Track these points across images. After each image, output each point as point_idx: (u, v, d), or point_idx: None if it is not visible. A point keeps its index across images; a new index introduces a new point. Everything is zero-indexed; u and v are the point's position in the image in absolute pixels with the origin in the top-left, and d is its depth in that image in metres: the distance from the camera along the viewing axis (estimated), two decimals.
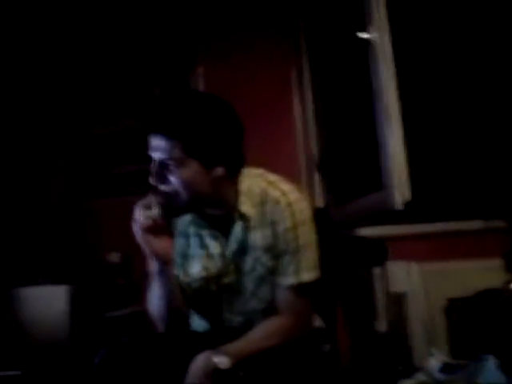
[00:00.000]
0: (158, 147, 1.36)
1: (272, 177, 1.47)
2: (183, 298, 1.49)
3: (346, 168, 2.99)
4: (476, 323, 1.70)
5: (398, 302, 2.00)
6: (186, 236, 1.50)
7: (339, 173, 3.06)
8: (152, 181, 1.38)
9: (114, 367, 1.35)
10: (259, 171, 1.49)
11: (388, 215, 2.31)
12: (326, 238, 1.58)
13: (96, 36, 3.50)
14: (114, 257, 3.12)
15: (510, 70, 2.36)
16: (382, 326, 1.99)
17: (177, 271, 1.49)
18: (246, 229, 1.43)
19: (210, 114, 1.39)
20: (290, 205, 1.41)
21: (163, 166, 1.36)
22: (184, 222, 1.49)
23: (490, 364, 1.38)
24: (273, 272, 1.44)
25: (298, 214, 1.41)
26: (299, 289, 1.42)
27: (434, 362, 1.49)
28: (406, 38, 2.56)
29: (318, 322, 1.59)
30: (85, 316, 2.82)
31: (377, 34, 2.53)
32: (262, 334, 1.42)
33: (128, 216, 3.46)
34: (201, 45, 3.40)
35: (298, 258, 1.41)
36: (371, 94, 2.60)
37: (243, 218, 1.42)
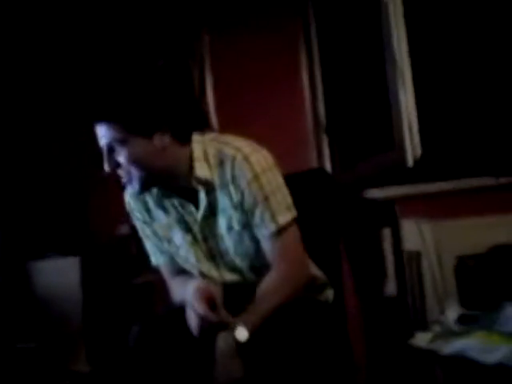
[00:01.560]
0: (102, 133, 1.42)
1: (225, 138, 1.52)
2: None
3: (354, 130, 2.94)
4: (487, 280, 1.68)
5: (410, 260, 1.98)
6: (162, 207, 1.53)
7: (347, 135, 3.00)
8: (106, 167, 1.44)
9: (148, 345, 1.39)
10: (211, 135, 1.54)
11: (398, 174, 2.27)
12: (327, 199, 1.56)
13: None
14: (123, 228, 3.12)
15: None
16: (392, 286, 1.97)
17: (163, 243, 1.56)
18: (209, 192, 1.47)
19: (142, 87, 1.43)
20: (246, 158, 1.44)
21: (111, 150, 1.42)
22: (154, 194, 1.53)
23: (509, 310, 1.35)
24: (247, 226, 1.46)
25: (256, 164, 1.44)
26: (281, 233, 1.45)
27: (450, 314, 1.48)
28: None
29: (315, 271, 1.59)
30: (96, 287, 2.84)
31: None
32: (265, 293, 1.43)
33: None
34: (207, 13, 3.33)
35: (269, 206, 1.44)
36: (380, 51, 2.54)
37: (202, 182, 1.46)
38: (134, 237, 3.11)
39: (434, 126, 2.35)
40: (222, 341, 1.33)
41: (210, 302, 1.32)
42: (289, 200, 1.48)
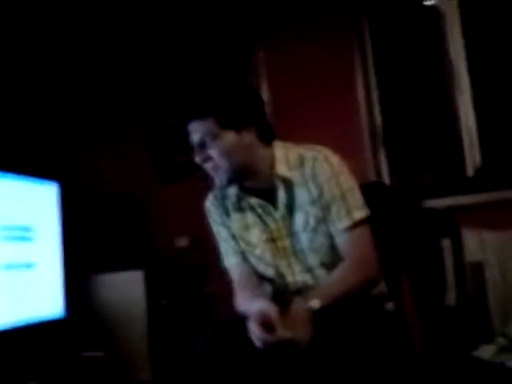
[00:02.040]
0: (196, 129, 1.53)
1: (306, 145, 1.62)
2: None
3: (413, 142, 2.89)
4: None
5: (472, 271, 1.93)
6: (240, 210, 1.64)
7: (405, 147, 2.96)
8: (197, 159, 1.54)
9: (216, 352, 1.42)
10: (290, 144, 1.63)
11: (459, 184, 2.23)
12: (386, 211, 1.57)
13: (160, 25, 3.55)
14: (183, 241, 3.19)
15: None
16: (451, 297, 1.94)
17: (240, 243, 1.64)
18: (289, 190, 1.56)
19: (233, 87, 1.58)
20: (326, 158, 1.55)
21: (203, 144, 1.52)
22: (233, 199, 1.64)
23: None
24: (322, 221, 1.55)
25: (335, 164, 1.55)
26: (356, 228, 1.53)
27: None
28: (473, 2, 2.47)
29: (381, 287, 1.60)
30: (159, 299, 2.90)
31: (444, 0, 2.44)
32: (340, 276, 1.50)
33: (193, 201, 3.53)
34: (261, 28, 3.37)
35: (345, 201, 1.53)
36: (438, 62, 2.51)
37: (283, 181, 1.56)
38: (194, 249, 3.22)
39: (493, 135, 2.30)
40: (296, 303, 1.39)
41: (267, 325, 1.34)
42: (362, 200, 1.57)
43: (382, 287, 1.62)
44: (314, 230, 1.55)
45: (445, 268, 1.96)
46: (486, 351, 1.42)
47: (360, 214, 1.53)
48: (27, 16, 3.32)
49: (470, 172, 2.22)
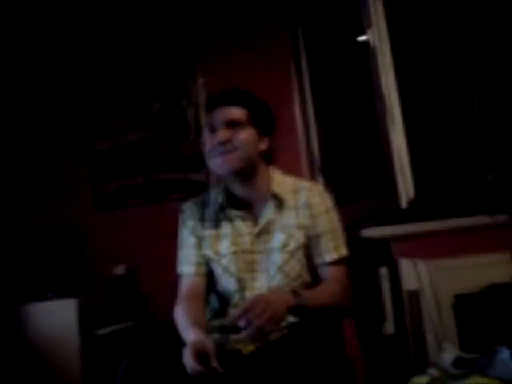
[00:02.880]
0: (229, 112, 1.63)
1: (295, 177, 1.75)
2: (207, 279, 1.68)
3: (349, 170, 2.98)
4: (484, 318, 1.69)
5: (407, 300, 1.99)
6: (216, 219, 1.70)
7: (342, 175, 3.04)
8: (221, 137, 1.60)
9: (136, 378, 1.41)
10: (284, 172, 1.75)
11: (393, 215, 2.30)
12: None
13: (95, 51, 3.52)
14: (120, 269, 3.12)
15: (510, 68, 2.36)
16: (390, 326, 1.98)
17: (207, 250, 1.69)
18: (279, 209, 1.65)
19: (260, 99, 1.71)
20: (321, 193, 1.69)
21: (230, 125, 1.62)
22: (212, 209, 1.70)
23: (504, 355, 1.37)
24: (301, 247, 1.63)
25: (327, 201, 1.69)
26: (340, 263, 1.64)
27: (447, 357, 1.49)
28: (404, 38, 2.56)
29: None
30: (94, 328, 2.81)
31: (375, 36, 2.52)
32: (319, 292, 1.57)
33: (131, 228, 3.46)
34: (199, 53, 3.40)
35: (335, 237, 1.65)
36: (372, 94, 2.59)
37: (276, 198, 1.65)
38: (130, 277, 3.15)
39: (426, 166, 2.39)
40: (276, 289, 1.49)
41: (202, 356, 1.34)
42: (344, 240, 1.69)
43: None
44: (291, 254, 1.62)
45: (382, 297, 2.01)
46: (418, 382, 1.45)
47: (345, 251, 1.66)
48: None
49: (403, 203, 2.28)
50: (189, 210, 1.74)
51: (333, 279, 1.62)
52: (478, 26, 2.44)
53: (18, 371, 2.70)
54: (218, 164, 1.62)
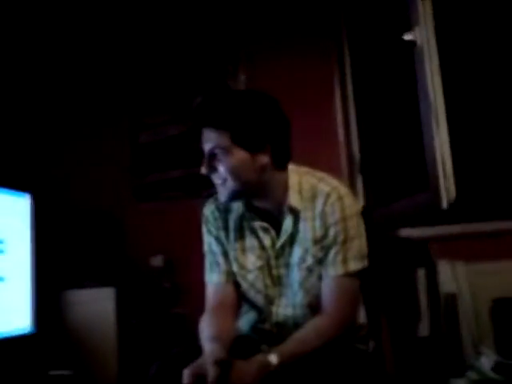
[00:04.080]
0: (208, 138, 1.46)
1: (320, 174, 1.56)
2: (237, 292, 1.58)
3: (389, 169, 2.95)
4: None
5: (444, 302, 1.96)
6: (240, 230, 1.57)
7: (381, 174, 3.01)
8: (203, 170, 1.47)
9: (166, 381, 1.38)
10: (305, 169, 1.58)
11: (433, 215, 2.26)
12: (369, 238, 1.58)
13: (139, 44, 3.58)
14: (158, 260, 3.16)
15: None
16: (424, 328, 1.95)
17: (233, 264, 1.58)
18: (296, 222, 1.50)
19: (254, 104, 1.48)
20: (340, 198, 1.48)
21: (213, 155, 1.46)
22: (236, 215, 1.57)
23: None
24: (320, 262, 1.49)
25: (347, 207, 1.48)
26: (346, 279, 1.47)
27: (486, 361, 1.44)
28: (451, 37, 2.52)
29: (362, 319, 1.60)
30: (130, 318, 2.86)
31: (422, 35, 2.49)
32: (312, 334, 1.43)
33: (170, 220, 3.51)
34: (242, 50, 3.42)
35: (345, 248, 1.47)
36: (415, 93, 2.55)
37: (293, 211, 1.49)
38: (167, 269, 3.19)
39: (469, 167, 2.34)
40: (249, 364, 1.32)
41: (199, 378, 1.28)
42: (365, 250, 1.51)
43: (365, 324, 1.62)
44: (309, 270, 1.50)
45: (419, 298, 1.98)
46: None
47: (356, 265, 1.48)
48: None
49: (444, 204, 2.24)
50: (211, 216, 1.61)
51: (331, 303, 1.47)
52: None
53: (59, 354, 2.77)
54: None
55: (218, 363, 1.27)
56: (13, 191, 2.83)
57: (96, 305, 2.83)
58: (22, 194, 2.87)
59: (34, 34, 3.53)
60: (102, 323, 2.80)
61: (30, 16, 3.50)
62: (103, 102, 3.59)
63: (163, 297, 3.08)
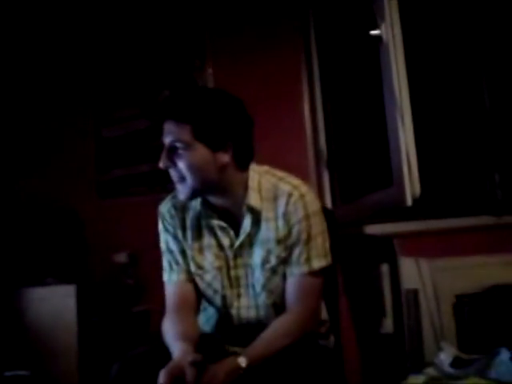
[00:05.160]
0: (169, 131, 1.44)
1: (279, 173, 1.55)
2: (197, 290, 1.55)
3: (355, 165, 2.96)
4: (485, 319, 1.67)
5: (407, 298, 1.97)
6: (198, 228, 1.54)
7: (348, 169, 3.02)
8: (161, 164, 1.44)
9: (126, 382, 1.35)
10: (265, 168, 1.55)
11: (397, 212, 2.27)
12: (332, 234, 1.58)
13: (104, 38, 3.51)
14: (121, 257, 3.11)
15: None
16: (389, 324, 1.96)
17: (190, 264, 1.55)
18: (256, 222, 1.48)
19: (218, 101, 1.46)
20: (302, 197, 1.47)
21: (173, 149, 1.43)
22: (193, 214, 1.54)
23: (503, 356, 1.34)
24: (283, 262, 1.48)
25: (309, 205, 1.48)
26: (310, 277, 1.47)
27: (445, 357, 1.45)
28: (417, 34, 2.54)
29: (324, 314, 1.61)
30: (92, 315, 2.81)
31: (388, 31, 2.49)
32: (277, 334, 1.42)
33: (135, 216, 3.45)
34: (209, 44, 3.38)
35: (309, 247, 1.47)
36: (381, 89, 2.56)
37: (252, 211, 1.47)
38: (131, 265, 3.15)
39: (433, 164, 2.36)
40: (223, 367, 1.31)
41: (176, 379, 1.27)
42: (327, 246, 1.51)
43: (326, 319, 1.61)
44: (273, 270, 1.49)
45: (383, 294, 1.99)
46: (414, 381, 1.43)
47: (319, 263, 1.48)
48: None
49: (408, 201, 2.25)
50: (168, 214, 1.58)
51: (296, 301, 1.47)
52: (491, 24, 2.41)
53: (15, 354, 2.70)
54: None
55: (195, 364, 1.26)
56: None
57: (56, 302, 2.77)
58: None
59: None
60: (62, 321, 2.74)
61: None
62: (67, 96, 3.50)
63: (126, 294, 3.03)
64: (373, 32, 2.64)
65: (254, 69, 3.21)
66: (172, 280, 1.57)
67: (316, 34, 3.25)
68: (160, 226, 1.61)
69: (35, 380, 2.57)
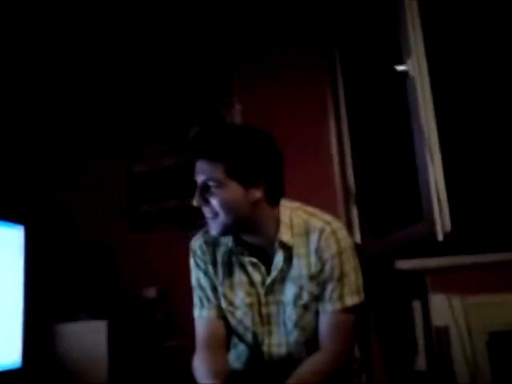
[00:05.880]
0: (202, 170, 1.45)
1: (311, 209, 1.55)
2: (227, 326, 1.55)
3: (384, 200, 2.95)
4: None
5: (439, 336, 1.93)
6: (229, 265, 1.55)
7: (377, 205, 3.01)
8: (195, 202, 1.47)
9: None
10: (297, 204, 1.56)
11: (428, 247, 2.25)
12: (364, 270, 1.57)
13: (134, 75, 3.61)
14: (151, 292, 3.13)
15: None
16: (421, 361, 1.92)
17: (220, 301, 1.56)
18: (288, 258, 1.48)
19: (249, 138, 1.48)
20: (334, 232, 1.48)
21: (205, 187, 1.45)
22: (224, 250, 1.55)
23: None
24: (316, 299, 1.48)
25: (342, 241, 1.48)
26: (343, 314, 1.47)
27: None
28: (444, 69, 2.55)
29: (356, 352, 1.59)
30: (123, 350, 2.82)
31: (414, 66, 2.51)
32: (311, 372, 1.41)
33: (164, 251, 3.48)
34: (237, 81, 3.44)
35: (342, 284, 1.47)
36: (409, 124, 2.57)
37: (284, 247, 1.48)
38: (161, 301, 3.16)
39: (463, 198, 2.35)
40: None
41: None
42: (360, 283, 1.51)
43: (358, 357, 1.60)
44: (305, 307, 1.49)
45: (415, 331, 1.96)
46: None
47: (352, 300, 1.48)
48: None
49: (439, 236, 2.23)
50: (199, 250, 1.60)
51: (328, 339, 1.46)
52: None
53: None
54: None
55: None
56: (5, 222, 2.81)
57: (88, 337, 2.79)
58: (14, 225, 2.85)
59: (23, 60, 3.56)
60: (93, 356, 2.75)
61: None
62: (97, 133, 3.59)
63: (156, 329, 3.04)
64: (399, 68, 2.67)
65: (281, 104, 3.25)
66: (202, 316, 1.58)
67: (342, 68, 3.29)
68: (191, 262, 1.64)
69: None
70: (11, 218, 2.85)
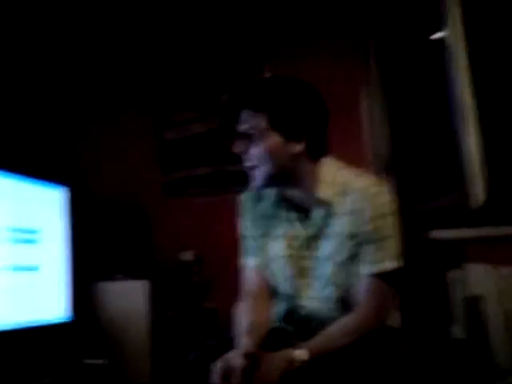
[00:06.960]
0: (246, 120, 1.47)
1: (358, 170, 1.53)
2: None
3: (417, 169, 2.95)
4: None
5: (475, 305, 1.96)
6: (271, 217, 1.57)
7: (409, 174, 3.02)
8: (236, 148, 1.48)
9: (204, 375, 1.36)
10: (343, 164, 1.54)
11: (463, 217, 2.26)
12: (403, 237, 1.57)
13: (167, 42, 3.63)
14: (187, 255, 3.21)
15: None
16: (458, 330, 1.95)
17: (263, 251, 1.58)
18: (327, 215, 1.47)
19: (295, 91, 1.47)
20: (376, 195, 1.45)
21: (248, 137, 1.46)
22: (268, 204, 1.58)
23: None
24: (353, 258, 1.47)
25: (383, 204, 1.45)
26: (381, 278, 1.45)
27: None
28: (481, 36, 2.51)
29: (392, 321, 1.59)
30: (165, 310, 2.91)
31: (451, 34, 2.48)
32: (341, 331, 1.43)
33: (198, 216, 3.52)
34: (268, 47, 3.44)
35: (381, 247, 1.44)
36: (443, 92, 2.55)
37: (323, 203, 1.47)
38: (197, 264, 3.24)
39: (500, 169, 2.33)
40: (276, 358, 1.34)
41: (227, 374, 1.31)
42: (399, 249, 1.48)
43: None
44: (343, 264, 1.47)
45: (450, 301, 1.98)
46: None
47: (391, 264, 1.45)
48: (26, 16, 3.35)
49: (473, 205, 2.23)
50: (248, 202, 1.62)
51: (367, 299, 1.45)
52: None
53: (91, 345, 2.85)
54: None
55: (246, 356, 1.31)
56: (50, 183, 2.89)
57: (129, 297, 2.89)
58: (59, 186, 2.94)
59: (63, 29, 3.59)
60: (135, 315, 2.86)
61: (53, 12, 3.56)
62: (130, 99, 3.64)
63: (194, 291, 3.13)
64: (435, 36, 2.64)
65: (311, 74, 3.23)
66: (249, 264, 1.61)
67: (375, 37, 3.25)
68: (240, 213, 1.65)
69: (112, 369, 2.71)
70: (56, 179, 2.94)
